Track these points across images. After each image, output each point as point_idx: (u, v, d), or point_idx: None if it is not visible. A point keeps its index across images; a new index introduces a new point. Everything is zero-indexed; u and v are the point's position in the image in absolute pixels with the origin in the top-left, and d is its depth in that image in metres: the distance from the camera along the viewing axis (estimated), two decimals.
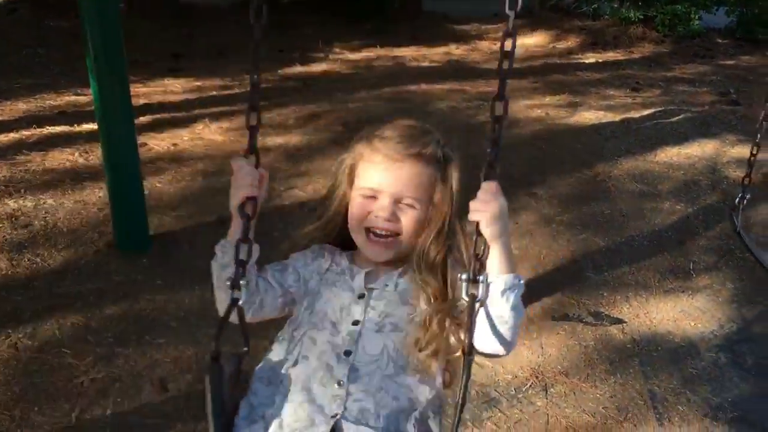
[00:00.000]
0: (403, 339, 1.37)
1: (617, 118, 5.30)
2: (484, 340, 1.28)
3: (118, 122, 3.16)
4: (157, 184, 4.04)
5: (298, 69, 7.18)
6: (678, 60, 8.19)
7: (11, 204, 3.66)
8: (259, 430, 1.32)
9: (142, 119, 5.05)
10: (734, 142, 4.84)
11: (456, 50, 8.49)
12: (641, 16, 9.08)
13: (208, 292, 3.04)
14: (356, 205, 1.47)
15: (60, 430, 2.36)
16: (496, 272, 1.25)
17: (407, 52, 7.90)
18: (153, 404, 2.51)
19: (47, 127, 4.76)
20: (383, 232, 1.45)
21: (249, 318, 1.45)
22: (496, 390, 2.66)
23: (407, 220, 1.45)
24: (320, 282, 1.49)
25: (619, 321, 3.09)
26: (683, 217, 3.93)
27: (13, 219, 3.52)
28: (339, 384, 1.32)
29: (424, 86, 6.22)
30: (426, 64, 7.67)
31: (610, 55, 8.42)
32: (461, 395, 1.21)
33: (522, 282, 1.28)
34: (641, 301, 3.25)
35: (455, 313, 1.34)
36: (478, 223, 1.23)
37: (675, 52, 8.56)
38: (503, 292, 1.25)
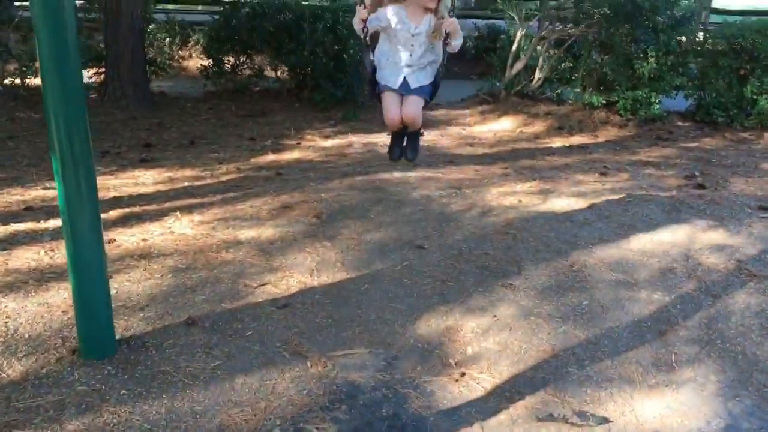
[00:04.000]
0: (426, 40, 3.64)
1: (588, 204, 5.35)
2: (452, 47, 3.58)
3: (83, 220, 3.06)
4: (126, 283, 3.92)
5: (270, 157, 7.19)
6: (642, 143, 8.41)
7: None
8: (381, 71, 3.74)
9: (112, 213, 4.96)
10: (705, 228, 4.89)
11: (427, 136, 8.60)
12: (604, 101, 9.37)
13: (177, 402, 2.91)
14: None
15: None
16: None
17: (379, 138, 7.98)
18: None
19: (12, 224, 4.64)
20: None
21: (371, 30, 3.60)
22: None
23: None
24: (396, 23, 3.59)
25: (606, 420, 3.00)
26: (661, 306, 3.90)
27: None
28: (408, 64, 3.69)
29: (397, 174, 6.25)
30: None
31: (576, 139, 8.62)
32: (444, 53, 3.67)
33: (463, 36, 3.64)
34: (626, 397, 3.17)
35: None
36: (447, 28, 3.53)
37: (639, 135, 8.80)
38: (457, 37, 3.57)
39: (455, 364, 3.38)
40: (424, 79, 3.71)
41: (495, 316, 3.77)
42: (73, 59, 2.86)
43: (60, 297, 3.70)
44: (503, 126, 9.31)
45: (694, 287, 4.11)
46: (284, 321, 3.64)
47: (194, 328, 3.51)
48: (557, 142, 8.44)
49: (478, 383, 3.24)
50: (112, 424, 2.78)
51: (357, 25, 3.50)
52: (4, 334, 3.33)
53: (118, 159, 6.90)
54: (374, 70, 3.73)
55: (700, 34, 10.81)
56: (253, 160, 7.04)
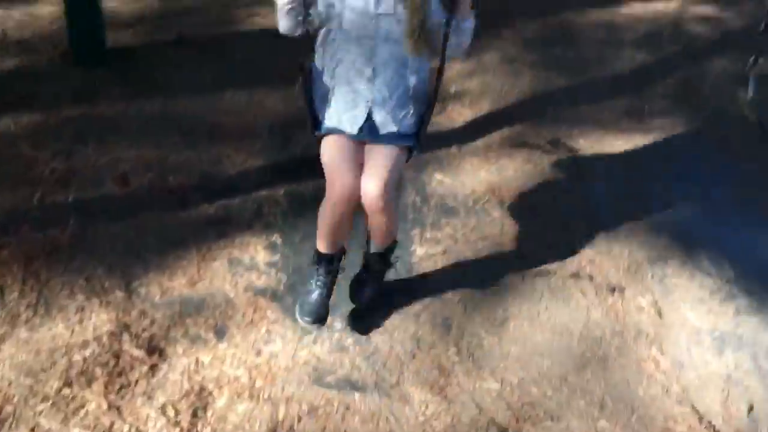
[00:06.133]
0: (402, 48, 1.94)
1: None
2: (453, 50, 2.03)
3: None
4: (111, 3, 3.86)
5: None
6: None
7: None
8: (326, 108, 2.03)
9: None
10: (698, 1, 4.86)
11: None
12: None
13: (170, 103, 3.02)
14: None
15: (23, 211, 2.35)
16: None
17: None
18: (114, 196, 2.52)
19: None
20: None
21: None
22: (454, 201, 2.75)
23: None
24: (342, 5, 1.92)
25: (576, 150, 3.19)
26: (643, 64, 3.99)
27: None
28: (368, 79, 1.97)
29: None
30: None
31: None
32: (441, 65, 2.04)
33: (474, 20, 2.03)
34: (597, 136, 3.34)
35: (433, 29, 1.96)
36: None
37: None
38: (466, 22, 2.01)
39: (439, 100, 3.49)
40: (403, 114, 2.04)
41: (480, 60, 3.83)
42: None
43: (46, 10, 3.66)
44: None
45: (676, 51, 4.18)
46: (274, 48, 3.67)
47: (184, 48, 3.54)
48: None
49: (459, 116, 3.38)
50: (109, 114, 2.91)
51: None
52: None
53: None
54: (311, 97, 2.08)
55: None
56: None
